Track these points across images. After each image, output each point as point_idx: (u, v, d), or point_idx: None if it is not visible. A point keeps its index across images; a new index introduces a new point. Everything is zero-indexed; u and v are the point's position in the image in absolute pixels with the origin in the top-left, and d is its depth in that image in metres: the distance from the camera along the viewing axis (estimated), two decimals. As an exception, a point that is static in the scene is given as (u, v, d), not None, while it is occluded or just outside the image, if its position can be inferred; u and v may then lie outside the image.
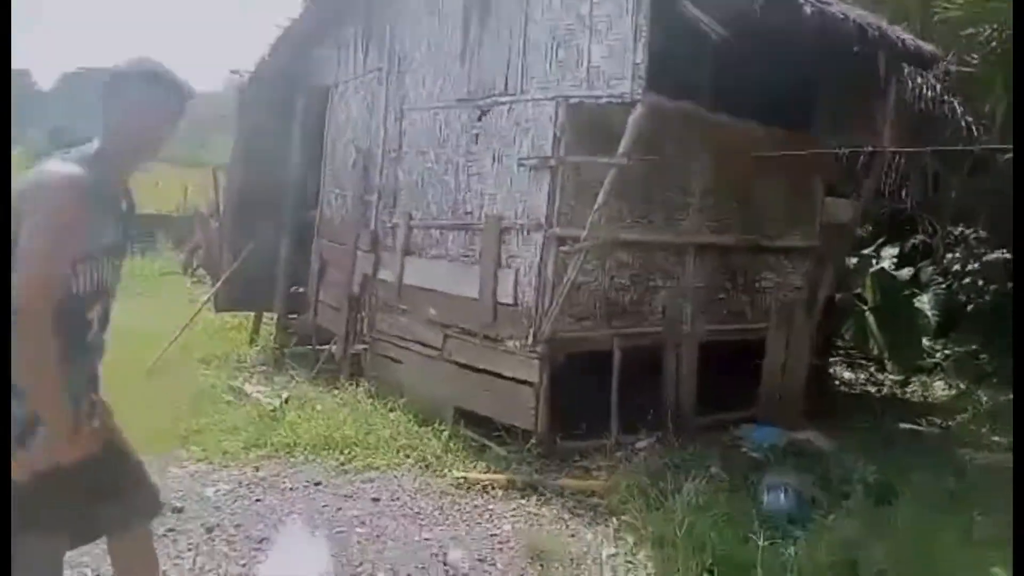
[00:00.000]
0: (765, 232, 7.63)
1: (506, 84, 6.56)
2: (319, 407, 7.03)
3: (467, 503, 5.14)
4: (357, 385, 7.63)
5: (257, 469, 5.59)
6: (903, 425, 8.49)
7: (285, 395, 7.48)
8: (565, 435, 6.38)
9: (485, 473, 5.64)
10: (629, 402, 6.66)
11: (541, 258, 6.11)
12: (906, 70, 7.76)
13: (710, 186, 7.10)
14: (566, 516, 5.09)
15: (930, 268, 12.77)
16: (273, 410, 6.76)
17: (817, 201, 8.08)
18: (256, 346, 10.26)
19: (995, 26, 10.36)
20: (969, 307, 12.01)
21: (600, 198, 5.76)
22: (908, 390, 10.76)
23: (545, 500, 5.32)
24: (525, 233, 6.27)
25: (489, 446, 6.30)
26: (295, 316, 10.39)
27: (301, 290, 10.32)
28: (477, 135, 6.83)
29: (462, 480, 5.48)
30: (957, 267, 12.53)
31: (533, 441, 6.14)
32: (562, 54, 6.02)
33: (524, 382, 6.26)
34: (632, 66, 5.43)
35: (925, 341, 11.72)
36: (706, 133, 6.63)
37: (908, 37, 7.33)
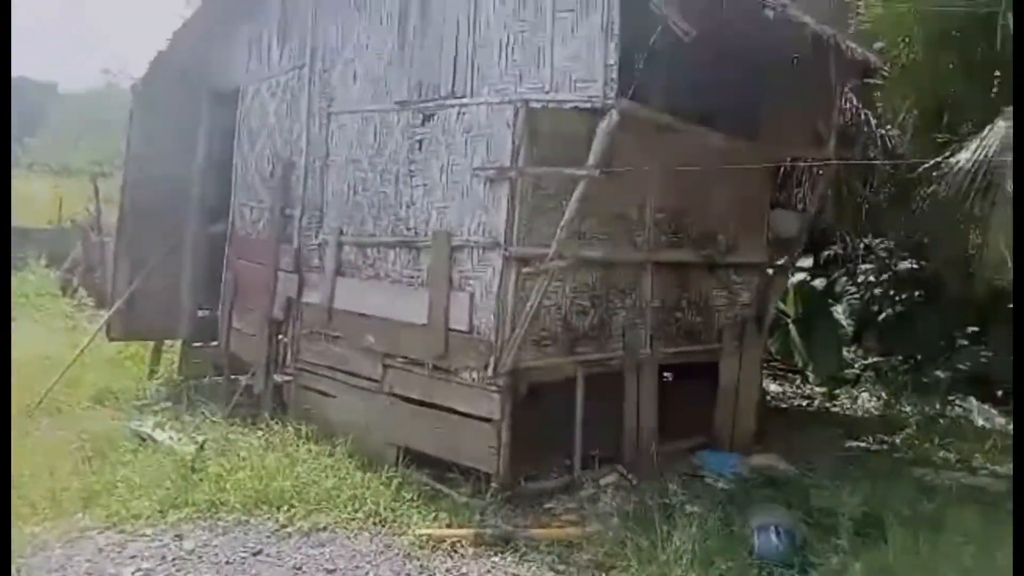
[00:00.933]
0: (717, 248, 7.31)
1: (453, 86, 5.93)
2: (243, 453, 6.16)
3: (437, 566, 4.46)
4: (284, 424, 6.76)
5: (180, 537, 4.71)
6: (850, 443, 8.37)
7: (201, 439, 6.53)
8: (528, 475, 5.79)
9: (449, 528, 4.96)
10: (590, 433, 6.17)
11: (500, 280, 5.51)
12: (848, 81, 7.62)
13: (666, 199, 6.70)
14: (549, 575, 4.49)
15: (843, 279, 12.98)
16: (191, 459, 5.83)
17: (764, 214, 7.85)
18: (157, 379, 9.15)
19: (905, 40, 10.59)
20: (880, 316, 12.23)
21: (567, 213, 5.23)
22: (836, 403, 10.77)
23: (521, 556, 4.70)
24: (480, 252, 5.66)
25: (446, 492, 5.63)
26: (200, 344, 9.34)
27: (207, 314, 9.29)
28: (420, 142, 6.16)
29: (425, 538, 4.78)
30: (872, 278, 12.75)
31: (495, 485, 5.52)
32: (519, 54, 5.46)
33: (482, 418, 5.64)
34: (603, 68, 4.93)
35: (845, 352, 11.84)
36: (669, 142, 6.21)
37: (855, 45, 7.19)
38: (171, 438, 6.62)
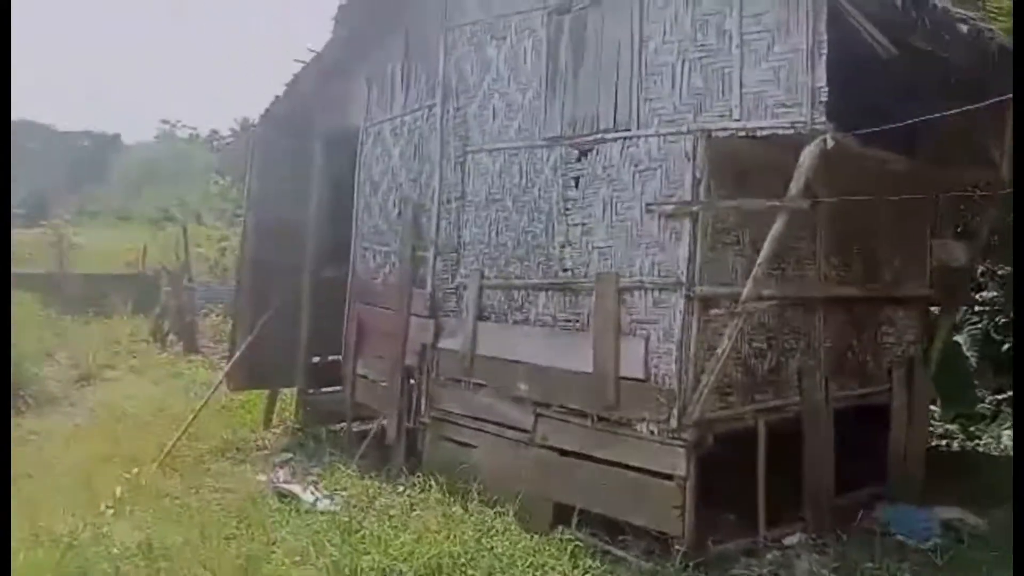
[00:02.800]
0: (883, 280, 6.76)
1: (614, 118, 5.57)
2: (394, 511, 5.79)
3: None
4: (425, 477, 6.37)
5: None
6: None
7: (343, 495, 6.19)
8: (716, 537, 5.28)
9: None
10: (767, 487, 5.63)
11: (683, 323, 5.06)
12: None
13: (835, 229, 6.20)
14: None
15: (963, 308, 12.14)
16: (348, 520, 5.47)
17: (927, 243, 7.26)
18: (274, 429, 8.91)
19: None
20: (1005, 346, 11.38)
21: (766, 250, 4.79)
22: (980, 442, 9.96)
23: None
24: (657, 293, 5.23)
25: (622, 557, 5.16)
26: (313, 391, 9.07)
27: (318, 360, 9.05)
28: (577, 179, 5.81)
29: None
30: (996, 306, 11.90)
31: (680, 548, 5.02)
32: (698, 80, 5.07)
33: (663, 475, 5.16)
34: (810, 91, 4.50)
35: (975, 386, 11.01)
36: (852, 166, 5.72)
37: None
38: (312, 493, 6.29)
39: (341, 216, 8.71)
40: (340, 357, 8.98)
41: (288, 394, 9.43)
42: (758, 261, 4.80)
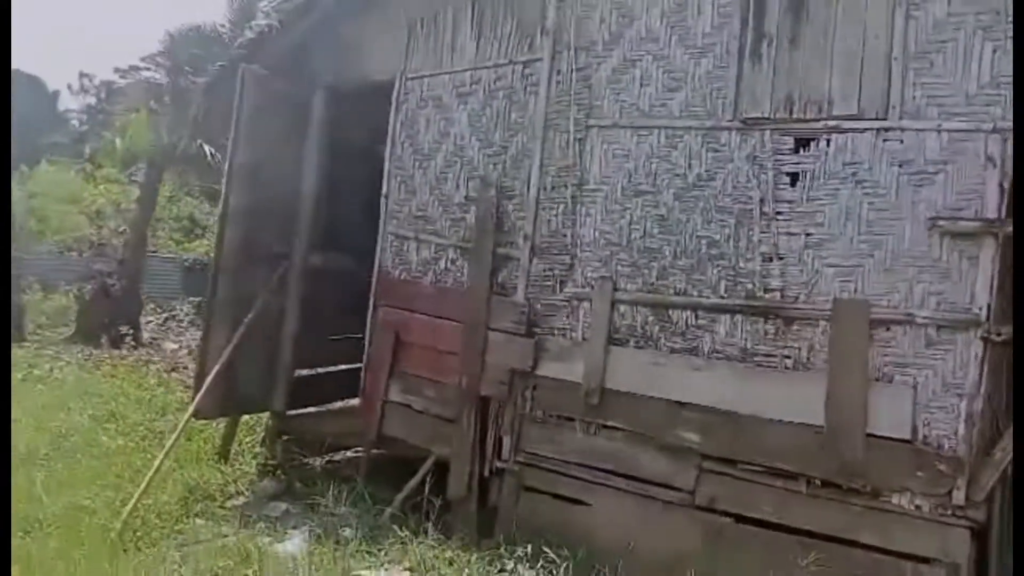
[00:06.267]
0: None
1: (858, 102, 4.38)
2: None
3: None
4: (535, 546, 4.83)
5: None
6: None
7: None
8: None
9: None
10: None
11: (979, 372, 3.99)
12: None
13: None
14: None
15: None
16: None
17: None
18: (240, 464, 6.76)
19: None
20: None
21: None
22: None
23: None
24: (931, 331, 4.11)
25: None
26: (293, 414, 7.04)
27: (303, 374, 7.06)
28: (794, 175, 4.54)
29: None
30: None
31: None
32: (1007, 63, 4.00)
33: (924, 559, 4.08)
34: None
35: None
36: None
37: None
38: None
39: (344, 190, 6.85)
40: (324, 370, 7.14)
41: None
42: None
